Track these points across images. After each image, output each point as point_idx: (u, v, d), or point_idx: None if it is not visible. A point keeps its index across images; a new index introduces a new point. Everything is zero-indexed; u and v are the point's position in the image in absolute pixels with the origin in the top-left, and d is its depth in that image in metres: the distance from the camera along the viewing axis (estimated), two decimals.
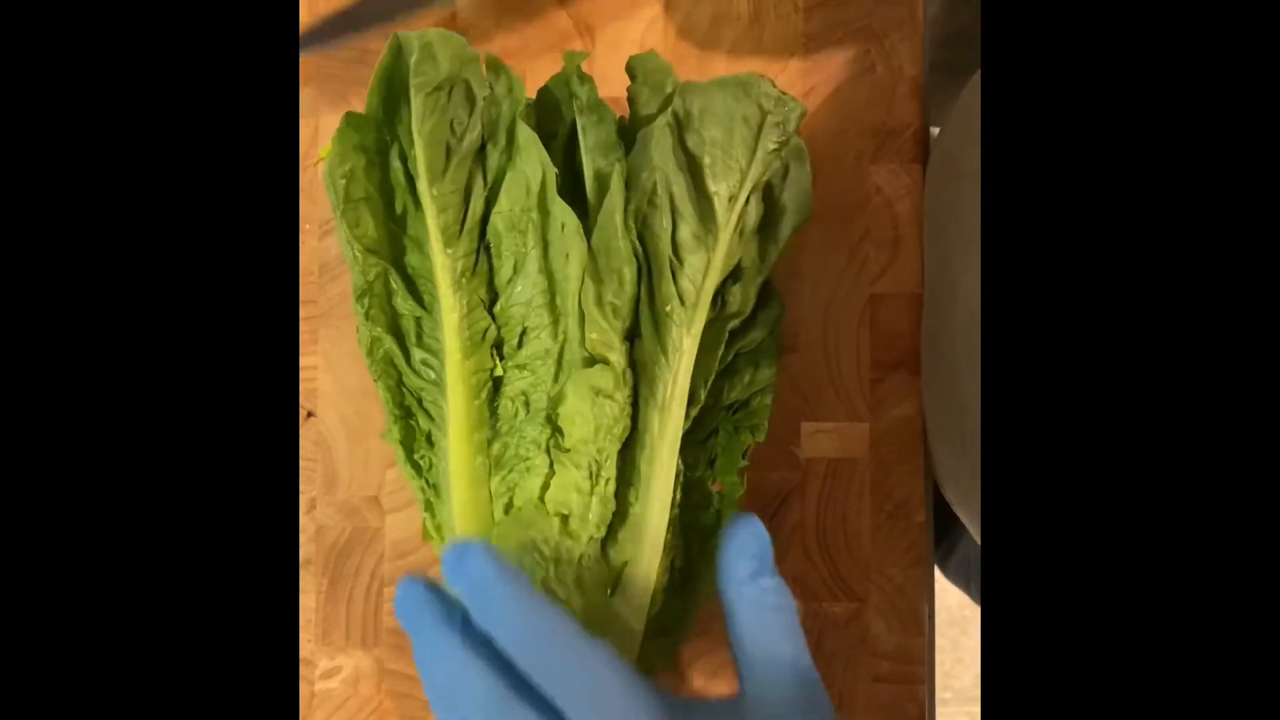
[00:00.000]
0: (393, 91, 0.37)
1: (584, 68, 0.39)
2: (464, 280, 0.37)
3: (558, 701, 0.28)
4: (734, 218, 0.37)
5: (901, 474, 0.45)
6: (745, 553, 0.33)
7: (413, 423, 0.39)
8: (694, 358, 0.37)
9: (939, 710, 1.28)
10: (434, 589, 0.31)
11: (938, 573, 0.64)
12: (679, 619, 0.39)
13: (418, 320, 0.38)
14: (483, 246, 0.38)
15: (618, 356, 0.36)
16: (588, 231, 0.36)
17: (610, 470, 0.35)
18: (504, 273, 0.37)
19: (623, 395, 0.36)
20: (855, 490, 0.45)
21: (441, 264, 0.37)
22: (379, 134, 0.38)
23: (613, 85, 0.45)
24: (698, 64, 0.45)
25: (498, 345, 0.37)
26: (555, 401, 0.36)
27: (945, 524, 0.68)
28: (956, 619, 1.27)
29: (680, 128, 0.37)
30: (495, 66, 0.38)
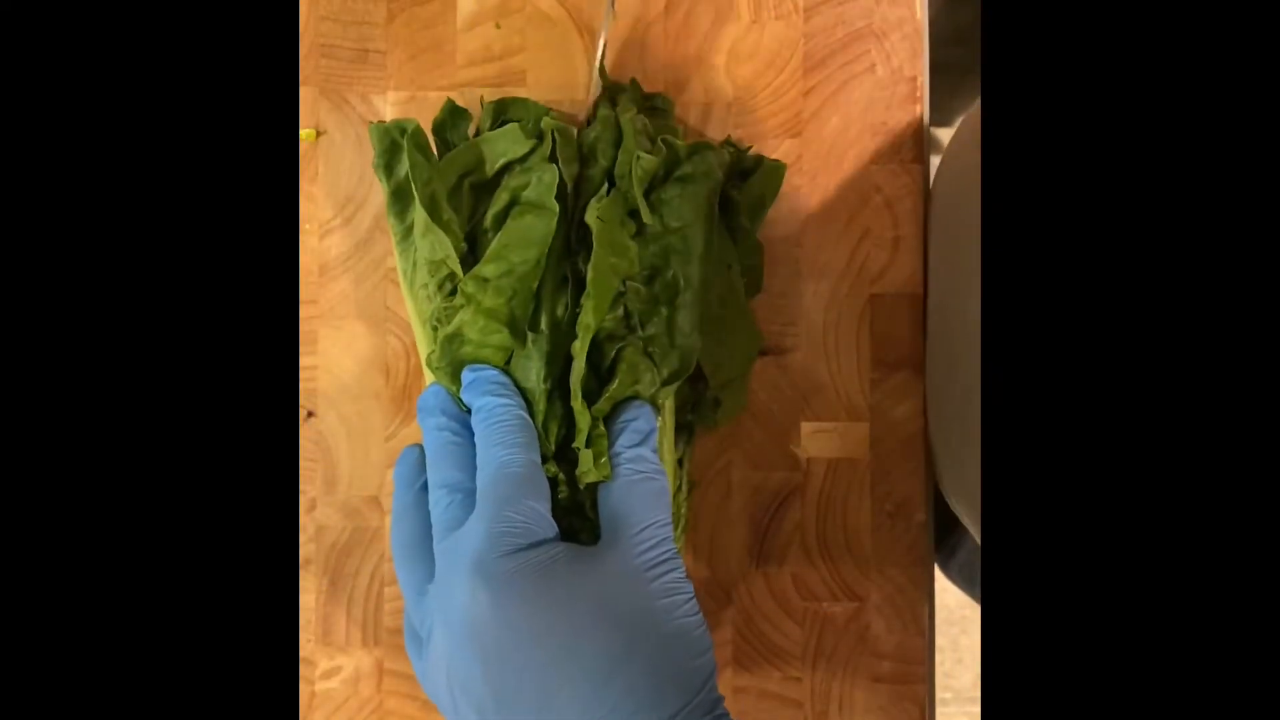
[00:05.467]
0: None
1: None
2: None
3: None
4: None
5: (901, 474, 0.45)
6: (633, 428, 0.37)
7: None
8: None
9: (939, 710, 1.28)
10: (449, 399, 0.39)
11: (938, 572, 0.64)
12: None
13: None
14: None
15: None
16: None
17: None
18: None
19: None
20: (855, 490, 0.45)
21: None
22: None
23: None
24: (698, 64, 0.45)
25: None
26: None
27: (947, 525, 0.68)
28: (956, 619, 1.27)
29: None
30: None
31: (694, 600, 0.35)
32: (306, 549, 0.45)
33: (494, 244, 0.38)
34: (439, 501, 0.37)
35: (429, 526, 0.37)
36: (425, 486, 0.38)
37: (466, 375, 0.38)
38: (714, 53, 0.45)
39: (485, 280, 0.38)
